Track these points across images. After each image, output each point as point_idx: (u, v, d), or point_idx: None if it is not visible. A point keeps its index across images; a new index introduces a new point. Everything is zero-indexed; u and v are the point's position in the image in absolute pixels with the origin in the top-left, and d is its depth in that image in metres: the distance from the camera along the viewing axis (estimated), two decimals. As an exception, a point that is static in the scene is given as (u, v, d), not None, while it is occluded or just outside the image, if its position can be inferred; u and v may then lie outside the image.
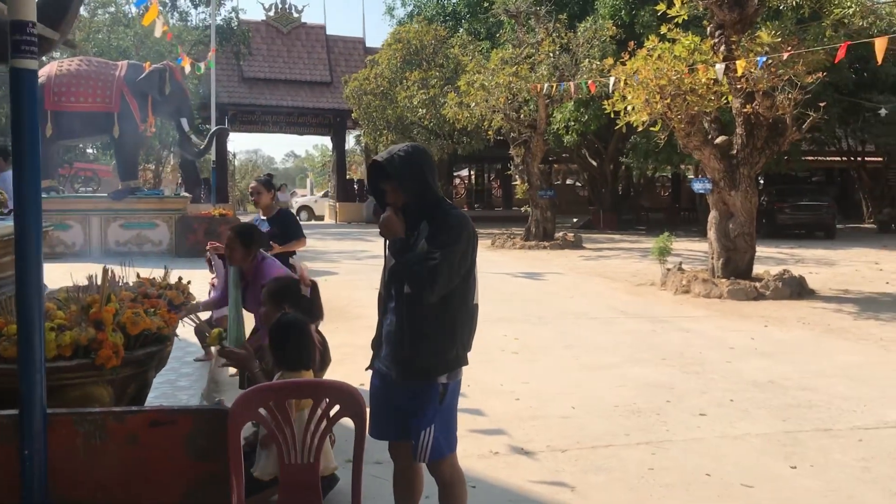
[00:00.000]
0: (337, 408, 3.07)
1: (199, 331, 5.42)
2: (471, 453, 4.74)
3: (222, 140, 29.81)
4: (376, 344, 3.37)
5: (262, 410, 3.01)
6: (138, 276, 4.78)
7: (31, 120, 2.70)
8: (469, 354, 3.31)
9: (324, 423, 3.07)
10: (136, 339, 3.52)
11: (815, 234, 24.08)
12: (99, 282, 3.58)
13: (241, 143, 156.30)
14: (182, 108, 16.00)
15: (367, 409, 3.13)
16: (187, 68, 16.60)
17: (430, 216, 3.15)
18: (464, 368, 3.29)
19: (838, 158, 34.11)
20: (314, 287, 4.38)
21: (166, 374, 5.89)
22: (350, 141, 45.94)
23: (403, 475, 3.42)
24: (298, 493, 3.06)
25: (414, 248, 3.12)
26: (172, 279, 4.99)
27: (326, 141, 46.96)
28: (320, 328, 4.28)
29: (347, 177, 40.29)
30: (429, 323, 3.16)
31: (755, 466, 4.70)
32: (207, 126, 22.26)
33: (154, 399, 5.55)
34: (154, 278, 4.90)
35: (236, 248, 4.79)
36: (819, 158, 33.68)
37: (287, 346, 3.54)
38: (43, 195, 2.89)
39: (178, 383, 6.12)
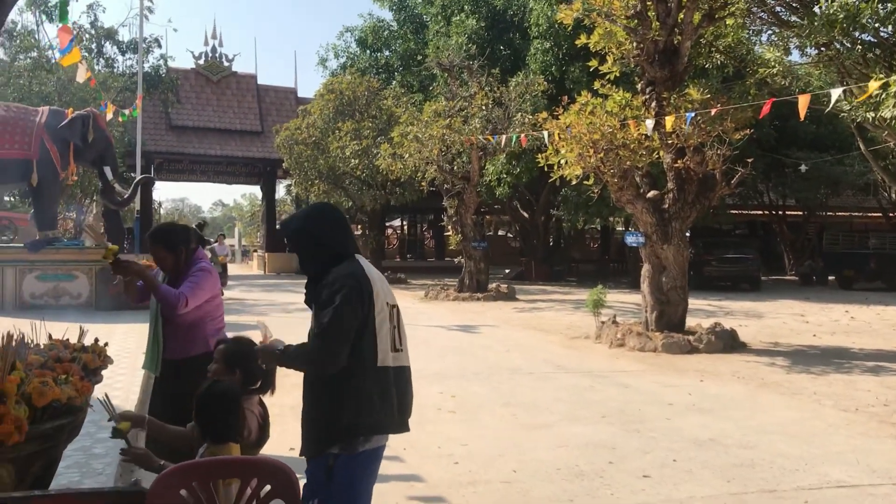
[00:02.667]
0: (268, 488, 2.79)
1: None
2: (409, 525, 4.47)
3: (147, 189, 29.01)
4: None
5: (183, 492, 2.71)
6: (50, 337, 4.38)
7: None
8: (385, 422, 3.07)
9: (253, 505, 2.78)
10: (44, 411, 3.17)
11: (741, 286, 24.63)
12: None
13: (167, 192, 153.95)
14: (106, 155, 15.47)
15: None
16: (109, 115, 16.09)
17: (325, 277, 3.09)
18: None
19: (761, 212, 35.20)
20: None
21: (80, 440, 5.45)
22: (280, 190, 45.54)
23: None
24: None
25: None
26: (88, 340, 4.60)
27: (256, 190, 46.44)
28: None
29: (277, 227, 39.76)
30: (317, 389, 3.05)
31: (704, 533, 4.55)
32: (133, 174, 21.61)
33: (66, 469, 5.11)
34: (67, 339, 4.51)
35: (162, 254, 4.32)
36: (743, 212, 34.70)
37: (214, 417, 3.24)
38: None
39: (92, 450, 5.67)
